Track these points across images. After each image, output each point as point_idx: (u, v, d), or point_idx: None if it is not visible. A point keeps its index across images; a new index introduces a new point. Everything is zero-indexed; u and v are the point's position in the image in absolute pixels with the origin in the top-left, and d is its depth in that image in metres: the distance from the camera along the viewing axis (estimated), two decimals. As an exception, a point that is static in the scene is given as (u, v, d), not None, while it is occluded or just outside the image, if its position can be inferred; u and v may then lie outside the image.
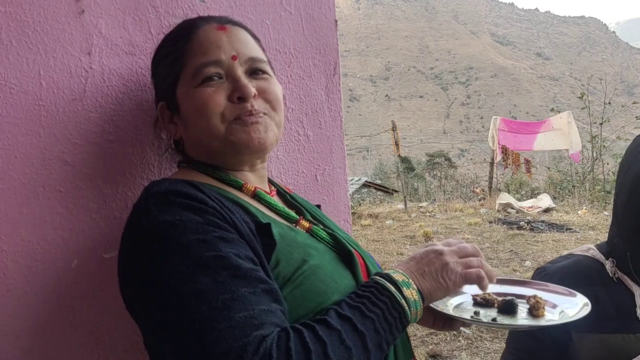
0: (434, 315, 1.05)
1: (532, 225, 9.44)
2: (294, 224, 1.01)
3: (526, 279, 1.13)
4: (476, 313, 1.00)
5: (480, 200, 13.75)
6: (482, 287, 0.95)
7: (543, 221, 9.90)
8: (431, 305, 0.96)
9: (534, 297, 1.00)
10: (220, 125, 0.96)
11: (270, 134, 0.99)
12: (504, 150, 12.39)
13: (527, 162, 12.78)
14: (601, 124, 13.78)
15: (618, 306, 1.40)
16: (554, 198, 12.47)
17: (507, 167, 12.76)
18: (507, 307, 1.00)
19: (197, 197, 0.87)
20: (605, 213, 10.78)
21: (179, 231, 0.81)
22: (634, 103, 17.46)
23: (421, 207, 12.71)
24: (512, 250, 7.90)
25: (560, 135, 12.02)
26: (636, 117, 13.10)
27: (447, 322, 1.07)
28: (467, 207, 11.95)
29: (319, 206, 1.22)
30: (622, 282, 1.44)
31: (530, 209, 11.07)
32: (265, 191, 1.04)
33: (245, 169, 1.03)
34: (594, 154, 13.85)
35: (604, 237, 7.47)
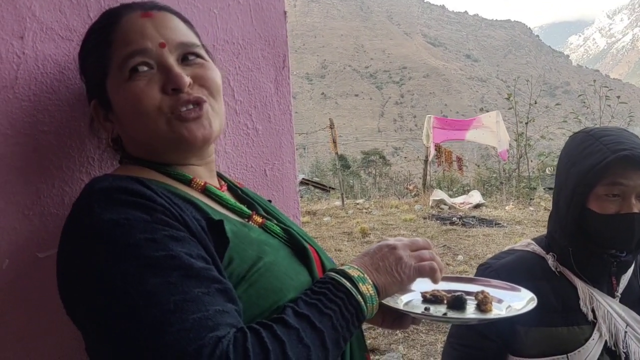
0: (383, 314, 1.03)
1: (463, 221, 9.77)
2: (247, 220, 0.97)
3: (472, 277, 1.15)
4: (426, 309, 1.00)
5: (413, 196, 14.11)
6: (435, 279, 0.95)
7: (474, 217, 10.27)
8: (383, 302, 0.95)
9: (482, 292, 1.02)
10: (159, 122, 0.90)
11: (214, 125, 0.94)
12: (438, 148, 12.78)
13: (459, 159, 13.24)
14: (526, 123, 14.45)
15: (562, 300, 1.45)
16: (483, 194, 12.98)
17: (440, 164, 13.16)
18: (457, 303, 1.01)
19: (144, 194, 0.82)
20: (531, 208, 11.33)
21: (125, 230, 0.77)
22: (556, 105, 18.51)
23: (358, 204, 12.86)
24: (445, 245, 8.14)
25: (489, 133, 12.53)
26: (563, 120, 13.84)
27: (397, 320, 1.06)
28: (402, 203, 12.21)
29: (269, 201, 1.18)
30: (564, 276, 1.50)
31: (462, 205, 11.47)
32: (215, 186, 0.99)
33: (193, 162, 0.98)
34: (519, 152, 14.51)
35: (529, 231, 7.81)
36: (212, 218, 0.87)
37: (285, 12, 1.32)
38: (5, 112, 0.99)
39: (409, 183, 17.91)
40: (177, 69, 0.91)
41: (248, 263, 0.85)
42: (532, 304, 1.01)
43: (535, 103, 14.66)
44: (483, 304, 1.00)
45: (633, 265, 1.51)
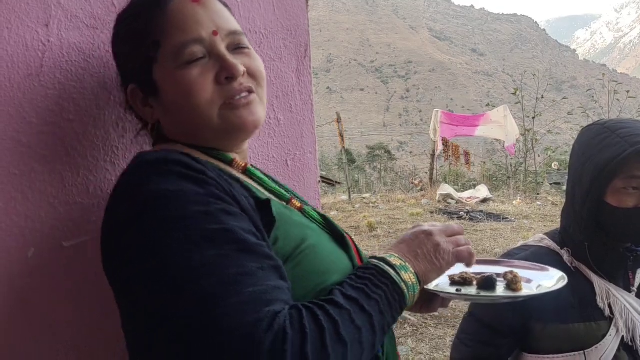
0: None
1: (471, 215, 9.75)
2: (286, 203, 0.97)
3: (497, 259, 1.17)
4: (458, 290, 1.02)
5: (419, 191, 14.08)
6: (470, 264, 0.96)
7: (481, 211, 10.24)
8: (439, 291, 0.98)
9: (511, 272, 1.03)
10: (211, 114, 0.90)
11: (261, 112, 0.95)
12: (445, 143, 12.74)
13: (467, 154, 13.19)
14: (533, 118, 14.39)
15: (578, 295, 1.44)
16: (490, 189, 12.94)
17: (447, 158, 13.13)
18: (487, 283, 1.02)
19: (197, 167, 0.82)
20: (538, 203, 11.29)
21: (181, 202, 0.76)
22: (563, 99, 18.39)
23: (364, 198, 12.85)
24: (453, 239, 8.14)
25: (498, 127, 12.49)
26: (568, 113, 13.78)
27: (426, 303, 1.06)
28: (409, 198, 12.20)
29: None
30: (580, 271, 1.48)
31: (469, 200, 11.44)
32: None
33: (231, 150, 0.98)
34: (526, 147, 14.46)
35: (537, 225, 7.78)
36: (259, 197, 0.88)
37: (307, 1, 1.31)
38: (30, 100, 0.99)
39: (415, 177, 17.88)
40: (231, 57, 0.91)
41: (293, 244, 0.86)
42: (563, 282, 1.01)
43: (542, 98, 14.60)
44: (513, 284, 1.01)
45: None
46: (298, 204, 0.98)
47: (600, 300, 1.42)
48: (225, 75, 0.90)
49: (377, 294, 0.82)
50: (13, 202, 0.98)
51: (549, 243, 1.56)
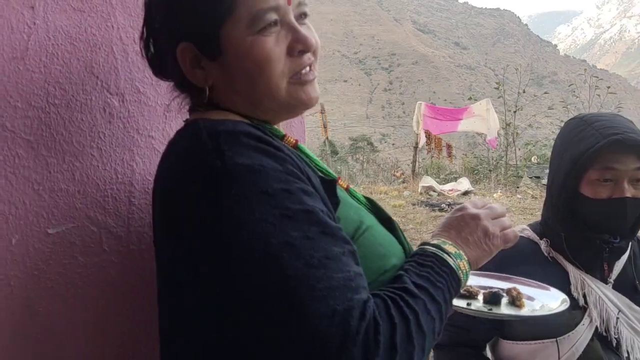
0: None
1: (452, 207, 9.83)
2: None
3: (499, 273, 1.17)
4: (468, 304, 1.03)
5: (400, 183, 14.15)
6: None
7: (462, 203, 10.35)
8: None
9: (514, 289, 1.04)
10: (280, 85, 0.87)
11: (318, 89, 0.94)
12: (428, 135, 12.82)
13: (449, 146, 13.30)
14: (515, 112, 14.53)
15: (553, 284, 1.47)
16: (471, 182, 13.06)
17: (430, 151, 13.22)
18: (493, 299, 1.02)
19: (271, 142, 0.79)
20: (518, 196, 11.43)
21: (260, 177, 0.73)
22: (545, 93, 18.61)
23: (347, 189, 12.89)
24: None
25: (480, 120, 12.61)
26: (549, 107, 13.94)
27: None
28: (392, 189, 12.26)
29: None
30: (557, 261, 1.51)
31: (451, 192, 11.54)
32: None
33: (279, 123, 0.97)
34: (507, 141, 14.61)
35: (517, 218, 7.89)
36: (324, 176, 0.86)
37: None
38: (15, 84, 0.97)
39: (397, 170, 17.95)
40: (302, 29, 0.88)
41: (353, 226, 0.84)
42: (565, 305, 1.04)
43: (524, 92, 14.75)
44: (517, 300, 1.02)
45: (628, 252, 1.52)
46: (345, 185, 0.96)
47: (574, 290, 1.45)
48: (300, 48, 0.88)
49: (441, 282, 0.81)
50: (-4, 187, 0.96)
51: (529, 233, 1.60)
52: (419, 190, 11.64)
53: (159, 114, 1.14)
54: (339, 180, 0.93)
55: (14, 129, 0.97)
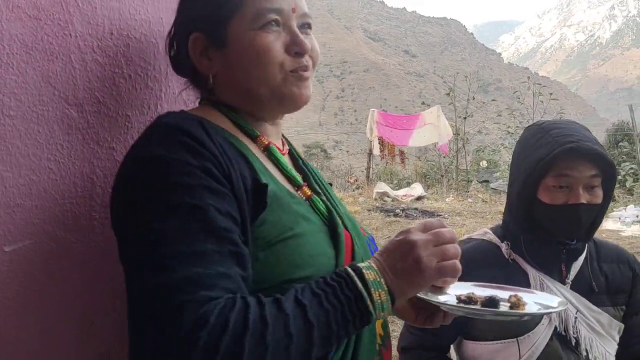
0: (417, 310, 1.06)
1: (406, 213, 9.99)
2: (297, 189, 1.00)
3: (505, 285, 1.15)
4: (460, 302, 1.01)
5: (354, 189, 14.27)
6: (454, 279, 0.91)
7: (416, 208, 10.52)
8: (422, 296, 0.94)
9: (515, 295, 1.03)
10: (278, 75, 0.97)
11: (311, 90, 1.03)
12: (381, 142, 12.99)
13: (402, 153, 13.51)
14: (465, 118, 14.93)
15: (514, 285, 1.52)
16: (423, 187, 13.31)
17: (383, 157, 13.39)
18: (490, 303, 0.99)
19: (199, 139, 0.85)
20: (469, 200, 11.73)
21: (168, 169, 0.81)
22: (492, 100, 19.21)
23: (302, 196, 12.88)
24: (390, 237, 8.24)
25: (432, 128, 12.87)
26: (497, 114, 14.39)
27: (430, 318, 1.06)
28: (347, 196, 12.33)
29: (330, 184, 1.18)
30: (517, 263, 1.56)
31: (405, 197, 11.71)
32: (278, 147, 1.03)
33: (269, 122, 1.04)
34: (457, 146, 14.99)
35: (469, 222, 8.06)
36: (259, 179, 0.89)
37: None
38: (-33, 95, 0.92)
39: (351, 176, 18.08)
40: (301, 35, 0.99)
41: (278, 230, 0.86)
42: (564, 305, 1.05)
43: (474, 99, 15.17)
44: (515, 307, 1.00)
45: (584, 254, 1.58)
46: (308, 192, 1.01)
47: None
48: (296, 49, 0.98)
49: (332, 304, 0.79)
50: (-52, 204, 0.91)
51: (490, 236, 1.64)
52: (374, 196, 11.77)
53: (119, 124, 1.11)
54: (304, 187, 1.01)
55: (-34, 142, 0.92)
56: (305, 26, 1.03)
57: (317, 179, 1.10)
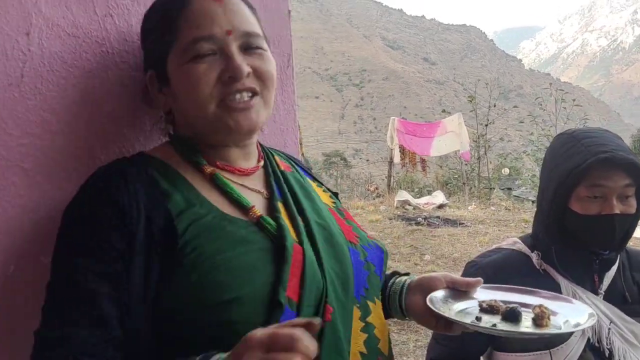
0: (437, 318, 1.03)
1: (428, 221, 9.92)
2: (245, 211, 0.94)
3: (532, 289, 1.11)
4: (478, 319, 0.99)
5: (375, 198, 14.23)
6: (474, 286, 0.95)
7: (438, 217, 10.44)
8: (434, 309, 0.96)
9: (540, 306, 0.99)
10: (210, 107, 0.93)
11: (260, 116, 0.97)
12: (402, 150, 12.94)
13: (423, 161, 13.43)
14: (486, 125, 14.81)
15: None
16: (447, 195, 13.22)
17: (404, 165, 13.33)
18: (511, 315, 0.97)
19: (110, 198, 0.86)
20: (492, 208, 11.60)
21: (68, 228, 0.88)
22: (514, 107, 19.04)
23: (323, 205, 12.87)
24: (412, 245, 8.25)
25: (453, 136, 12.77)
26: (519, 121, 14.23)
27: (449, 325, 1.04)
28: (368, 204, 12.30)
29: (335, 194, 1.17)
30: (548, 273, 1.53)
31: (426, 205, 11.64)
32: (239, 169, 1.00)
33: (231, 145, 1.00)
34: (478, 154, 14.86)
35: (492, 230, 7.94)
36: (172, 219, 0.88)
37: (289, 12, 1.31)
38: (10, 111, 0.95)
39: (370, 184, 18.05)
40: (238, 58, 0.93)
41: (208, 255, 0.85)
42: (592, 320, 0.98)
43: (495, 106, 15.05)
44: (539, 319, 0.97)
45: (617, 263, 1.55)
46: (257, 213, 0.94)
47: None
48: (228, 74, 0.92)
49: None
50: (-8, 217, 0.94)
51: (520, 246, 1.62)
52: (395, 205, 11.72)
53: (154, 138, 1.13)
54: (253, 208, 0.94)
55: (9, 157, 0.95)
56: (252, 47, 0.96)
57: (295, 192, 1.04)
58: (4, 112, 0.94)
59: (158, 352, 0.85)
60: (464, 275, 1.61)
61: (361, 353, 0.95)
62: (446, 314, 0.97)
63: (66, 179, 1.01)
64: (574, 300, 1.11)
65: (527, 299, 1.05)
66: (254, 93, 0.95)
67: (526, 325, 0.98)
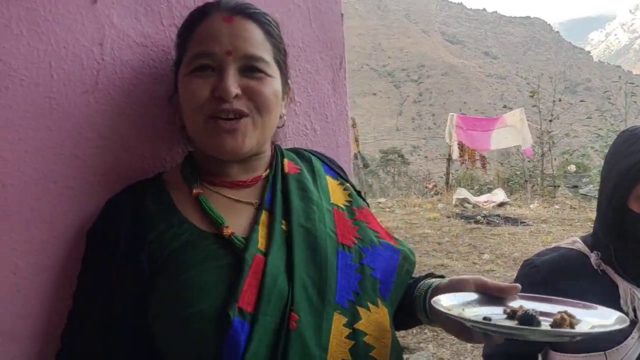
0: (459, 325, 0.95)
1: (488, 219, 9.71)
2: (218, 230, 0.96)
3: (567, 300, 1.03)
4: (486, 319, 0.91)
5: (433, 195, 14.03)
6: (513, 292, 0.95)
7: (498, 215, 10.19)
8: (435, 306, 0.91)
9: (564, 313, 0.93)
10: (199, 120, 0.97)
11: (248, 141, 0.97)
12: (461, 146, 12.70)
13: (483, 158, 13.12)
14: (551, 121, 14.29)
15: (603, 298, 1.46)
16: (508, 193, 12.87)
17: (463, 162, 13.08)
18: (526, 319, 0.92)
19: (108, 227, 0.97)
20: (556, 207, 11.20)
21: (89, 244, 0.99)
22: (581, 101, 18.25)
23: (380, 202, 12.85)
24: (470, 244, 8.10)
25: (514, 131, 12.40)
26: (587, 117, 13.65)
27: (468, 334, 0.97)
28: (425, 202, 12.17)
29: (358, 192, 1.17)
30: (607, 274, 1.49)
31: (486, 204, 11.38)
32: (238, 182, 1.03)
33: (231, 161, 1.03)
34: (542, 150, 14.37)
35: (556, 229, 7.66)
36: (147, 245, 0.95)
37: (342, 15, 1.35)
38: (86, 116, 1.04)
39: (428, 181, 17.81)
40: (230, 79, 0.95)
41: (177, 271, 0.92)
42: (624, 323, 0.92)
43: (560, 100, 14.50)
44: (557, 325, 0.91)
45: None
46: (229, 232, 0.96)
47: (624, 304, 1.43)
48: (217, 93, 0.95)
49: None
50: (70, 214, 1.04)
51: (579, 246, 1.58)
52: (454, 203, 11.52)
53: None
54: (224, 229, 0.96)
55: (85, 158, 1.04)
56: (251, 69, 0.98)
57: (288, 196, 1.04)
58: (80, 117, 1.04)
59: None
60: (519, 273, 1.60)
61: None
62: (450, 313, 0.90)
63: (134, 178, 1.08)
64: (604, 309, 1.02)
65: (549, 307, 0.99)
66: (241, 115, 0.96)
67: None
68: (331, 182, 1.13)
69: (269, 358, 0.87)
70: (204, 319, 0.87)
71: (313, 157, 1.16)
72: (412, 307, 1.07)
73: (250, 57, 0.97)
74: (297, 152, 1.17)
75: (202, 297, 0.88)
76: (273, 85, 1.00)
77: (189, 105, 0.97)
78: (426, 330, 5.10)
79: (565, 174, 14.31)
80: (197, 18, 1.00)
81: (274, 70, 1.01)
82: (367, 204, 1.17)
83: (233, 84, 0.94)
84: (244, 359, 0.84)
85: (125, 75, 1.08)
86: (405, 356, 4.84)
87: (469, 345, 4.73)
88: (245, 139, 0.96)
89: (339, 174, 1.18)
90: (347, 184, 1.16)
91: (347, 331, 0.94)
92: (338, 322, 0.93)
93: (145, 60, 1.10)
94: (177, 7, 1.14)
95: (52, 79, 1.01)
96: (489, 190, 13.51)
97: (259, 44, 0.99)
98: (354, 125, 12.39)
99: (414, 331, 5.08)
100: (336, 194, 1.11)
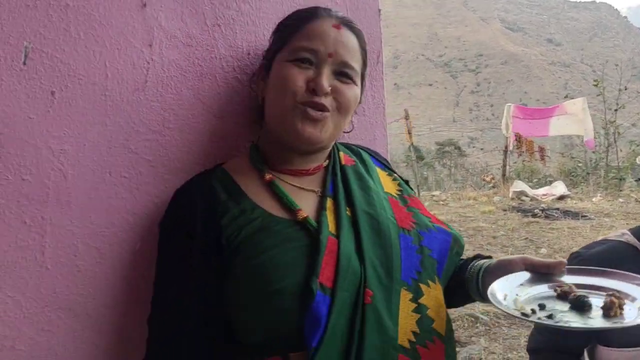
0: None
1: (546, 213, 9.42)
2: (291, 213, 1.06)
3: (608, 270, 1.05)
4: (541, 306, 0.95)
5: (490, 188, 13.72)
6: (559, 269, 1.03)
7: (557, 209, 9.86)
8: (492, 300, 0.96)
9: (612, 294, 0.93)
10: (289, 102, 1.05)
11: (325, 133, 1.08)
12: (518, 138, 12.32)
13: (541, 149, 12.69)
14: (616, 110, 13.67)
15: None
16: (567, 186, 12.41)
17: (520, 154, 12.70)
18: (579, 305, 0.93)
19: (183, 215, 1.04)
20: (620, 200, 10.73)
21: (165, 234, 1.08)
22: (649, 89, 17.28)
23: (434, 195, 12.69)
24: (527, 238, 7.90)
25: (575, 120, 11.90)
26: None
27: None
28: (481, 195, 11.92)
29: (407, 182, 1.26)
30: None
31: (545, 197, 11.03)
32: (301, 170, 1.13)
33: (295, 151, 1.11)
34: (608, 141, 13.76)
35: (619, 223, 7.36)
36: (221, 230, 1.03)
37: (379, 10, 1.38)
38: (138, 112, 1.13)
39: (486, 174, 17.41)
40: (326, 76, 1.06)
41: (257, 252, 0.99)
42: None
43: (626, 89, 13.83)
44: (607, 309, 0.91)
45: None
46: (303, 215, 1.05)
47: None
48: (313, 85, 1.05)
49: None
50: (124, 202, 1.13)
51: (629, 238, 1.55)
52: (510, 196, 11.24)
53: (254, 132, 1.26)
54: (299, 211, 1.05)
55: (136, 150, 1.13)
56: (343, 75, 1.08)
57: (348, 185, 1.14)
58: (132, 113, 1.12)
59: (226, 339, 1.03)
60: (567, 266, 1.58)
61: (414, 332, 1.02)
62: (501, 306, 0.95)
63: (182, 170, 1.17)
64: None
65: (611, 284, 1.00)
66: (325, 110, 1.06)
67: (594, 315, 0.93)
68: (381, 173, 1.23)
69: (348, 329, 0.96)
70: (287, 294, 0.96)
71: (362, 151, 1.26)
72: (464, 287, 1.16)
73: (345, 64, 1.08)
74: (347, 146, 1.27)
75: (284, 276, 0.97)
76: (356, 92, 1.11)
77: (283, 88, 1.06)
78: (478, 324, 5.05)
79: (632, 166, 13.67)
80: (307, 16, 1.10)
81: (358, 79, 1.12)
82: (415, 192, 1.26)
83: (327, 82, 1.05)
84: (326, 330, 0.94)
85: (172, 73, 1.16)
86: (456, 349, 4.82)
87: (521, 339, 4.65)
88: (322, 131, 1.07)
89: (386, 166, 1.27)
90: (395, 175, 1.25)
91: (413, 305, 1.04)
92: (405, 298, 1.03)
93: (190, 59, 1.18)
94: (219, 8, 1.21)
95: (106, 78, 1.10)
96: (549, 183, 13.08)
97: (354, 55, 1.10)
98: (407, 117, 12.29)
99: (466, 325, 5.04)
100: (387, 184, 1.21)
